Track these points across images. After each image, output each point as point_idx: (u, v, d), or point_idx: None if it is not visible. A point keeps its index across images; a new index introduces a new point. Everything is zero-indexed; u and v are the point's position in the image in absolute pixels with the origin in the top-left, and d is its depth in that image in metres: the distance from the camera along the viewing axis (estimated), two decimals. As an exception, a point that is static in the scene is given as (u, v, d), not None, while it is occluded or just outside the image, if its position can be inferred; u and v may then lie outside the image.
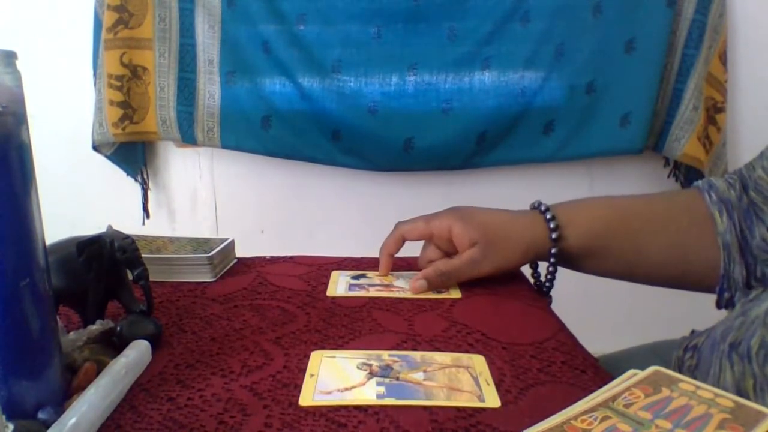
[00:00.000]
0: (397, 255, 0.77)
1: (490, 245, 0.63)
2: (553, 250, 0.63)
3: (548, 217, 0.63)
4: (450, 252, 0.67)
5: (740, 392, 0.46)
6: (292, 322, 0.56)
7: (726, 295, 0.60)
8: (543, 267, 0.70)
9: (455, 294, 0.63)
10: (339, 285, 0.65)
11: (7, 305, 0.35)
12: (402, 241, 0.67)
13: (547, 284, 0.68)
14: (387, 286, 0.65)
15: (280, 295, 0.63)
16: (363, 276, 0.69)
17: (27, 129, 0.36)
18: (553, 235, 0.63)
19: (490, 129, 1.53)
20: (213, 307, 0.60)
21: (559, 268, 0.67)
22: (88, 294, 0.50)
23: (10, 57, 0.36)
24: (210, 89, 1.58)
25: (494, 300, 0.62)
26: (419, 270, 0.71)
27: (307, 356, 0.48)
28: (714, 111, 1.52)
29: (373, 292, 0.63)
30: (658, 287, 0.68)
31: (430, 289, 0.64)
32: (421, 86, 1.53)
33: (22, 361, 0.36)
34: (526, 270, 0.71)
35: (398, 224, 0.68)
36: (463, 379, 0.44)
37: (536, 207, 0.66)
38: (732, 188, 0.61)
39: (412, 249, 0.76)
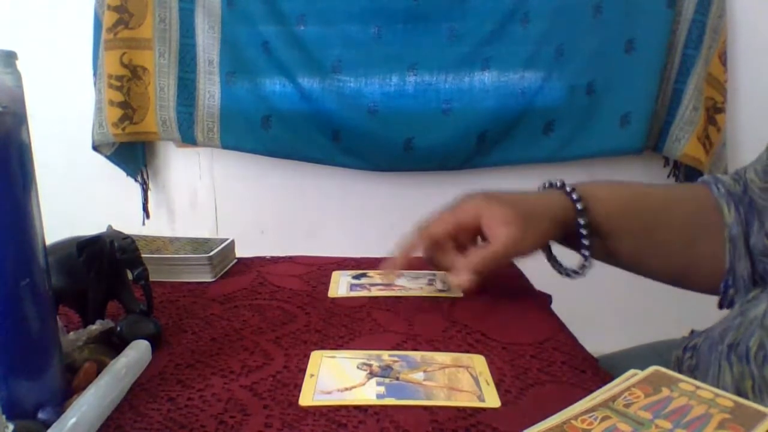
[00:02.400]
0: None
1: (525, 222, 0.59)
2: (581, 221, 0.60)
3: (569, 190, 0.62)
4: (467, 243, 0.63)
5: (739, 393, 0.46)
6: (292, 322, 0.56)
7: (731, 291, 0.59)
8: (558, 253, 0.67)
9: (457, 293, 0.63)
10: (340, 285, 0.65)
11: (7, 305, 0.35)
12: (426, 241, 0.62)
13: (584, 263, 0.63)
14: (389, 285, 0.65)
15: (280, 295, 0.63)
16: (364, 275, 0.69)
17: (27, 129, 0.36)
18: (579, 206, 0.60)
19: (490, 129, 1.53)
20: (213, 307, 0.60)
21: (565, 260, 0.65)
22: (88, 294, 0.50)
23: (10, 57, 0.36)
24: (210, 89, 1.58)
25: (494, 300, 0.62)
26: (422, 270, 0.70)
27: (307, 356, 0.48)
28: (714, 111, 1.52)
29: (374, 292, 0.63)
30: (661, 287, 0.68)
31: (479, 277, 0.58)
32: (421, 86, 1.53)
33: (22, 361, 0.36)
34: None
35: (421, 224, 0.63)
36: (463, 379, 0.44)
37: (550, 185, 0.64)
38: (738, 183, 0.60)
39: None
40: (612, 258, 0.65)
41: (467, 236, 0.62)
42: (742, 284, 0.58)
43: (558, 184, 0.63)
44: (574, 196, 0.61)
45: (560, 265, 0.66)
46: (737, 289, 0.59)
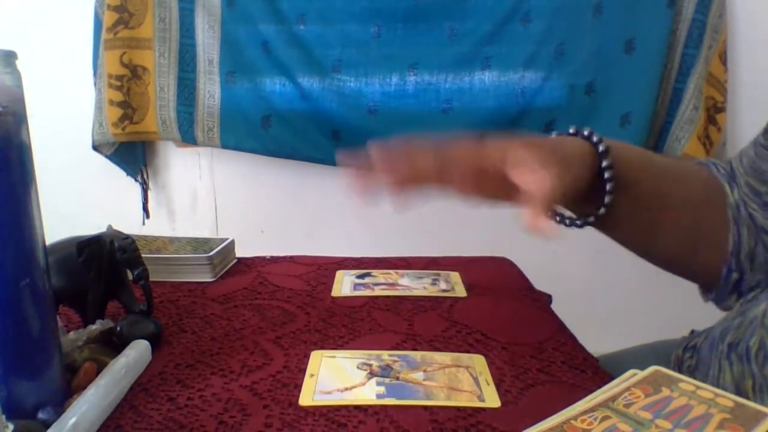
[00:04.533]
0: (399, 255, 0.77)
1: (561, 164, 0.50)
2: (604, 163, 0.54)
3: (593, 138, 0.56)
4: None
5: (739, 392, 0.46)
6: (292, 322, 0.56)
7: (734, 275, 0.56)
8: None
9: (461, 293, 0.63)
10: (344, 284, 0.65)
11: (7, 305, 0.35)
12: (438, 163, 0.51)
13: (607, 200, 0.56)
14: (392, 285, 0.65)
15: (280, 295, 0.63)
16: (368, 275, 0.69)
17: (27, 129, 0.36)
18: (601, 148, 0.54)
19: (490, 129, 1.53)
20: (213, 307, 0.60)
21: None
22: (88, 294, 0.50)
23: (10, 57, 0.36)
24: (210, 89, 1.58)
25: (494, 300, 0.62)
26: (422, 268, 0.70)
27: (307, 356, 0.48)
28: (714, 111, 1.52)
29: (378, 291, 0.63)
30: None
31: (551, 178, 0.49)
32: (421, 86, 1.53)
33: (22, 361, 0.36)
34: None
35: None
36: (463, 379, 0.44)
37: (576, 133, 0.58)
38: (735, 168, 0.60)
39: (414, 248, 0.76)
40: (619, 227, 0.60)
41: (487, 182, 0.51)
42: (747, 267, 0.56)
43: (585, 133, 0.57)
44: (595, 139, 0.55)
45: (564, 216, 0.59)
46: (740, 275, 0.57)
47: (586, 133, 0.56)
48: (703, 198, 0.59)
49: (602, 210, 0.57)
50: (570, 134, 0.58)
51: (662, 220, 0.60)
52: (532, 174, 0.48)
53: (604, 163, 0.55)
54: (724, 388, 0.46)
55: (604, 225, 0.60)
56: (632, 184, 0.57)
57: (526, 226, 0.45)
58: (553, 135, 0.59)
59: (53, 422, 0.36)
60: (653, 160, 0.60)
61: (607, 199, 0.56)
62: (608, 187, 0.55)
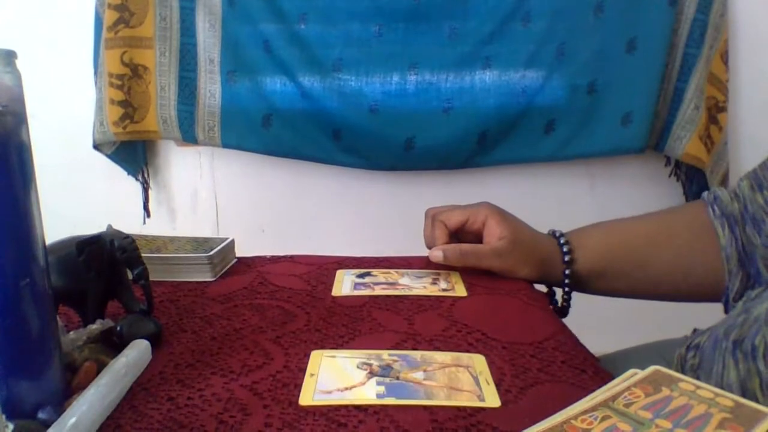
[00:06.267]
0: (399, 255, 0.77)
1: (515, 246, 0.67)
2: (566, 272, 0.68)
3: (562, 241, 0.69)
4: (464, 241, 0.71)
5: (745, 391, 0.46)
6: (292, 321, 0.56)
7: (733, 305, 0.61)
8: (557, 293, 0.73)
9: (461, 292, 0.63)
10: (344, 284, 0.65)
11: (7, 305, 0.35)
12: (440, 227, 0.70)
13: (564, 304, 0.71)
14: (392, 284, 0.65)
15: (281, 294, 0.63)
16: (368, 274, 0.69)
17: (27, 129, 0.36)
18: (566, 258, 0.68)
19: (491, 128, 1.53)
20: (213, 306, 0.60)
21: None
22: (88, 294, 0.50)
23: (10, 57, 0.36)
24: (211, 88, 1.58)
25: (494, 300, 0.62)
26: (422, 268, 0.71)
27: (307, 356, 0.48)
28: (715, 110, 1.52)
29: (378, 291, 0.63)
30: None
31: (447, 262, 0.67)
32: (422, 85, 1.53)
33: (22, 361, 0.37)
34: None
35: (431, 212, 0.71)
36: (463, 379, 0.44)
37: (552, 233, 0.72)
38: (736, 200, 0.62)
39: (414, 248, 0.76)
40: (611, 294, 0.72)
41: (465, 233, 0.71)
42: (740, 296, 0.60)
43: (557, 234, 0.71)
44: (564, 249, 0.68)
45: (554, 305, 0.73)
46: (742, 292, 0.60)
47: (562, 241, 0.69)
48: (691, 249, 0.65)
49: (564, 305, 0.71)
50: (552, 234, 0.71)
51: (647, 284, 0.70)
52: (490, 237, 0.68)
53: (567, 272, 0.69)
54: (728, 386, 0.46)
55: (597, 294, 0.72)
56: (604, 270, 0.69)
57: (431, 255, 0.68)
58: (545, 233, 0.72)
59: (53, 422, 0.36)
60: (624, 242, 0.70)
61: (564, 296, 0.71)
62: (566, 287, 0.70)
